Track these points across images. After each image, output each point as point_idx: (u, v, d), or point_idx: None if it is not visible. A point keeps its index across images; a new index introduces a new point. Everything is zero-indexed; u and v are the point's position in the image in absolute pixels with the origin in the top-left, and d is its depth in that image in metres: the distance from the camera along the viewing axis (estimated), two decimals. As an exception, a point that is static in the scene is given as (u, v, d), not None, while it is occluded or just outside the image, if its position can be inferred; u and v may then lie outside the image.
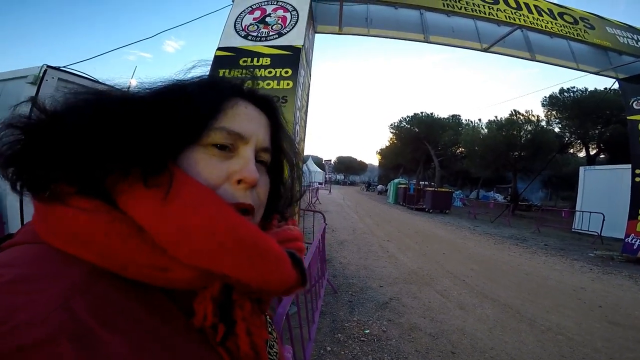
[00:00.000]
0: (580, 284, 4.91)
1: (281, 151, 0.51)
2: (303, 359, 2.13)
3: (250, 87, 0.46)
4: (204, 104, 0.38)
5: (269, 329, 0.51)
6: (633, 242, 6.67)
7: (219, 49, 4.15)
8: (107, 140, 0.32)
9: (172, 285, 0.33)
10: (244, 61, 4.19)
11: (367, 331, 2.90)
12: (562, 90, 19.72)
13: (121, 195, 0.32)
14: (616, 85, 7.45)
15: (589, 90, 18.87)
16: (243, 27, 4.31)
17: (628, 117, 7.10)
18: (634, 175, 6.87)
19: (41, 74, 2.60)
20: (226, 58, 4.18)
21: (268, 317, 0.53)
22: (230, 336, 0.35)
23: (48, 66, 2.64)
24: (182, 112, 0.36)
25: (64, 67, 2.84)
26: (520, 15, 5.56)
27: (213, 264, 0.32)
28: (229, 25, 4.34)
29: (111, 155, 0.31)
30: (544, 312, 3.63)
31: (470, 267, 5.55)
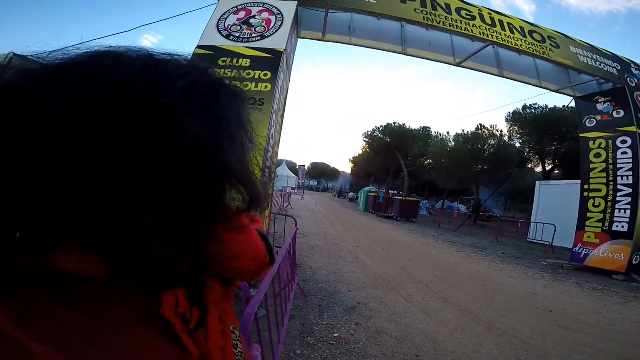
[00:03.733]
0: (533, 290, 5.28)
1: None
2: (273, 362, 2.14)
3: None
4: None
5: (231, 327, 0.48)
6: (580, 251, 7.28)
7: (198, 47, 4.10)
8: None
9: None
10: (223, 61, 4.17)
11: (336, 335, 2.95)
12: (524, 107, 21.25)
13: None
14: (573, 104, 8.09)
15: (548, 107, 20.48)
16: (226, 27, 4.28)
17: (581, 135, 7.78)
18: (582, 190, 7.53)
19: (6, 62, 2.43)
20: (205, 57, 4.12)
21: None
22: (200, 325, 0.32)
23: (14, 54, 2.47)
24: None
25: (32, 55, 2.67)
26: (494, 32, 5.90)
27: None
28: (211, 24, 4.30)
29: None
30: (500, 317, 3.87)
31: (434, 274, 5.79)
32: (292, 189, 29.25)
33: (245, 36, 4.24)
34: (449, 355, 2.78)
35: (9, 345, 0.22)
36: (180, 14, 5.47)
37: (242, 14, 4.42)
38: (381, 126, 33.59)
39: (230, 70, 4.11)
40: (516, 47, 6.03)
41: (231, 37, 4.23)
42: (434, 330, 3.28)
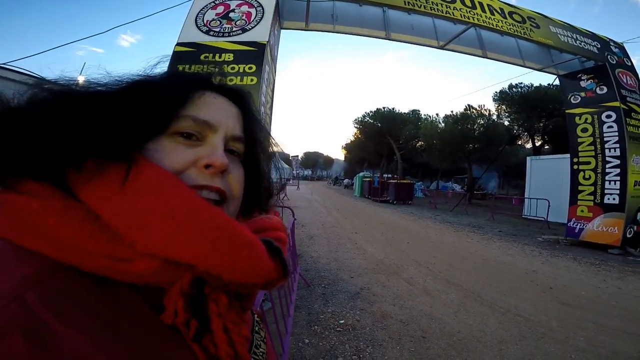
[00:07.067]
0: (532, 267, 5.32)
1: (256, 143, 0.49)
2: (282, 353, 2.17)
3: (220, 80, 0.47)
4: (169, 94, 0.38)
5: (256, 328, 0.50)
6: (574, 226, 7.33)
7: (178, 44, 4.00)
8: (67, 131, 0.31)
9: (137, 279, 0.31)
10: (205, 57, 4.09)
11: (342, 321, 3.00)
12: (510, 86, 21.26)
13: (79, 185, 0.31)
14: (557, 81, 8.14)
15: (534, 85, 20.56)
16: (205, 22, 4.17)
17: (567, 111, 7.85)
18: (572, 163, 7.60)
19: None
20: (186, 53, 4.04)
21: (256, 315, 0.52)
22: (205, 333, 0.33)
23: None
24: (146, 102, 0.36)
25: (3, 63, 2.60)
26: (475, 14, 5.88)
27: (173, 251, 0.30)
28: (189, 21, 4.19)
29: (70, 146, 0.30)
30: (502, 295, 3.92)
31: (433, 255, 5.88)
32: (287, 179, 29.21)
33: (226, 30, 4.12)
34: (455, 335, 2.84)
35: (35, 324, 0.24)
36: (156, 12, 5.30)
37: (220, 9, 4.29)
38: (371, 111, 33.41)
39: (213, 66, 4.03)
40: (497, 28, 6.01)
41: (211, 32, 4.12)
42: (438, 312, 3.34)
